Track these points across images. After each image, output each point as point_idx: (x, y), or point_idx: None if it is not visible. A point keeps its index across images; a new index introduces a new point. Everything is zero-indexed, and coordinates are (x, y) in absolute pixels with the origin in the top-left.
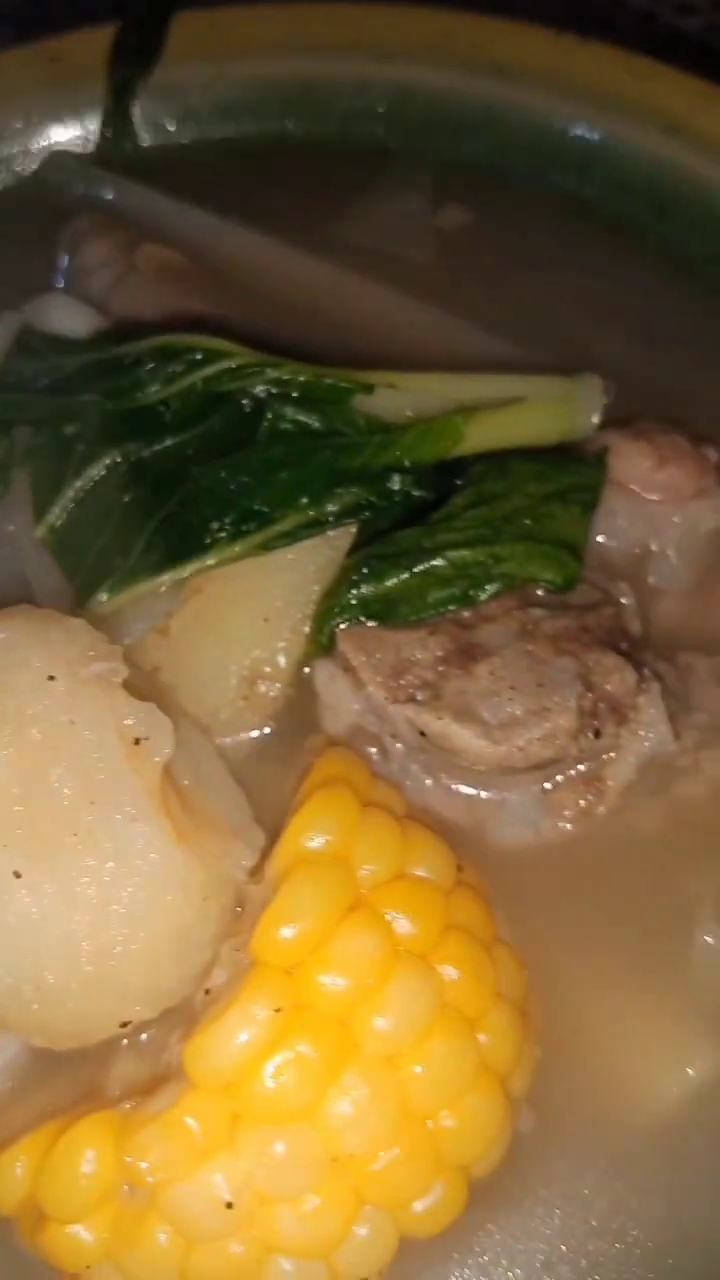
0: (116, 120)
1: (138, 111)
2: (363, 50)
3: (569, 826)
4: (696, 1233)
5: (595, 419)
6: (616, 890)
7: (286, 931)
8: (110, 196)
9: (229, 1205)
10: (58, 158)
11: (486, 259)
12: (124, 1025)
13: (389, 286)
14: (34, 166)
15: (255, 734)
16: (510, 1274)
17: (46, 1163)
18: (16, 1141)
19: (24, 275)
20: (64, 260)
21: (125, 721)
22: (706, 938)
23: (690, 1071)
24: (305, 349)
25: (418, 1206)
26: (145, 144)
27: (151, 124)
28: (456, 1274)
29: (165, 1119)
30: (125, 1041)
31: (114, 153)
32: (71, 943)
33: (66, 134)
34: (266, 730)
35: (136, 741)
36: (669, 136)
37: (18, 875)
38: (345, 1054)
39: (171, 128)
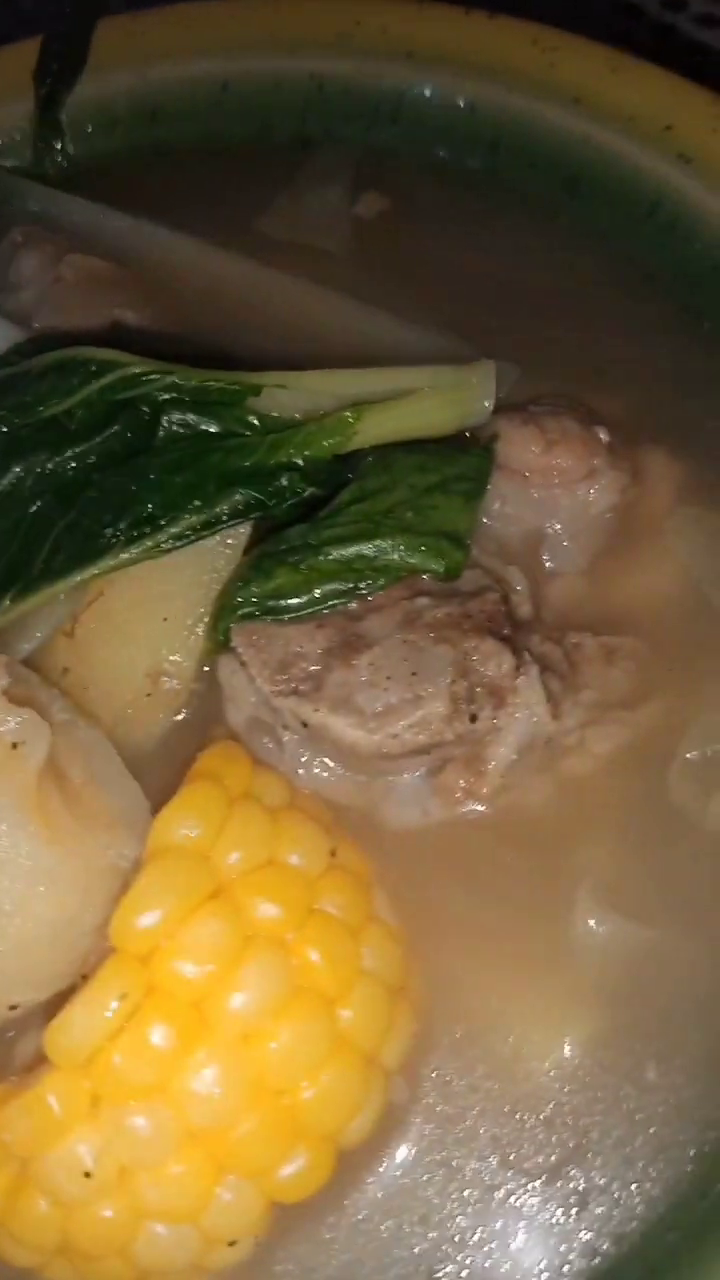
0: (45, 132)
1: (65, 121)
2: (276, 45)
3: (455, 808)
4: (571, 1194)
5: (489, 405)
6: (502, 869)
7: (142, 920)
8: (42, 209)
9: (87, 1174)
10: None
11: (404, 245)
12: (12, 1008)
13: (307, 281)
14: None
15: (164, 727)
16: (382, 1230)
17: None
18: None
19: None
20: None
21: (1, 729)
22: (587, 918)
23: (566, 1044)
24: (226, 349)
25: (283, 1173)
26: (74, 153)
27: (79, 133)
28: (333, 1233)
29: (27, 1097)
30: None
31: (45, 165)
32: None
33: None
34: (180, 718)
35: (14, 746)
36: (575, 110)
37: None
38: (197, 1034)
39: (98, 136)
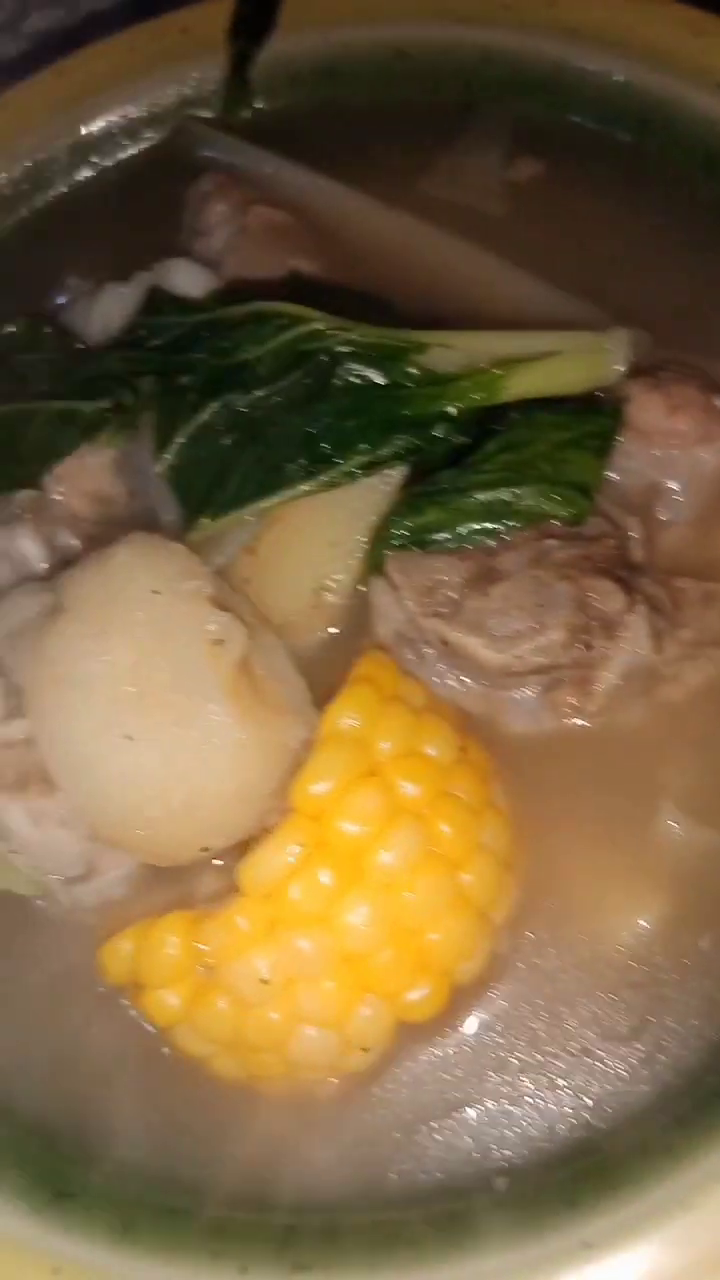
0: (235, 87)
1: (253, 78)
2: (447, 14)
3: (564, 720)
4: (636, 1042)
5: (621, 369)
6: (599, 773)
7: (315, 787)
8: (230, 159)
9: (265, 981)
10: (185, 123)
11: (552, 210)
12: (204, 850)
13: (462, 239)
14: (164, 132)
15: (322, 635)
16: (479, 1056)
17: (144, 944)
18: (124, 930)
19: (156, 234)
20: (189, 220)
21: (208, 627)
22: (667, 819)
23: (642, 920)
24: (386, 299)
25: (410, 997)
26: (259, 108)
27: (264, 89)
28: (443, 1051)
29: (222, 917)
30: (216, 863)
31: (233, 117)
32: (166, 789)
33: (192, 101)
34: (333, 631)
35: (217, 642)
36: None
37: (129, 738)
38: (354, 880)
39: (281, 92)
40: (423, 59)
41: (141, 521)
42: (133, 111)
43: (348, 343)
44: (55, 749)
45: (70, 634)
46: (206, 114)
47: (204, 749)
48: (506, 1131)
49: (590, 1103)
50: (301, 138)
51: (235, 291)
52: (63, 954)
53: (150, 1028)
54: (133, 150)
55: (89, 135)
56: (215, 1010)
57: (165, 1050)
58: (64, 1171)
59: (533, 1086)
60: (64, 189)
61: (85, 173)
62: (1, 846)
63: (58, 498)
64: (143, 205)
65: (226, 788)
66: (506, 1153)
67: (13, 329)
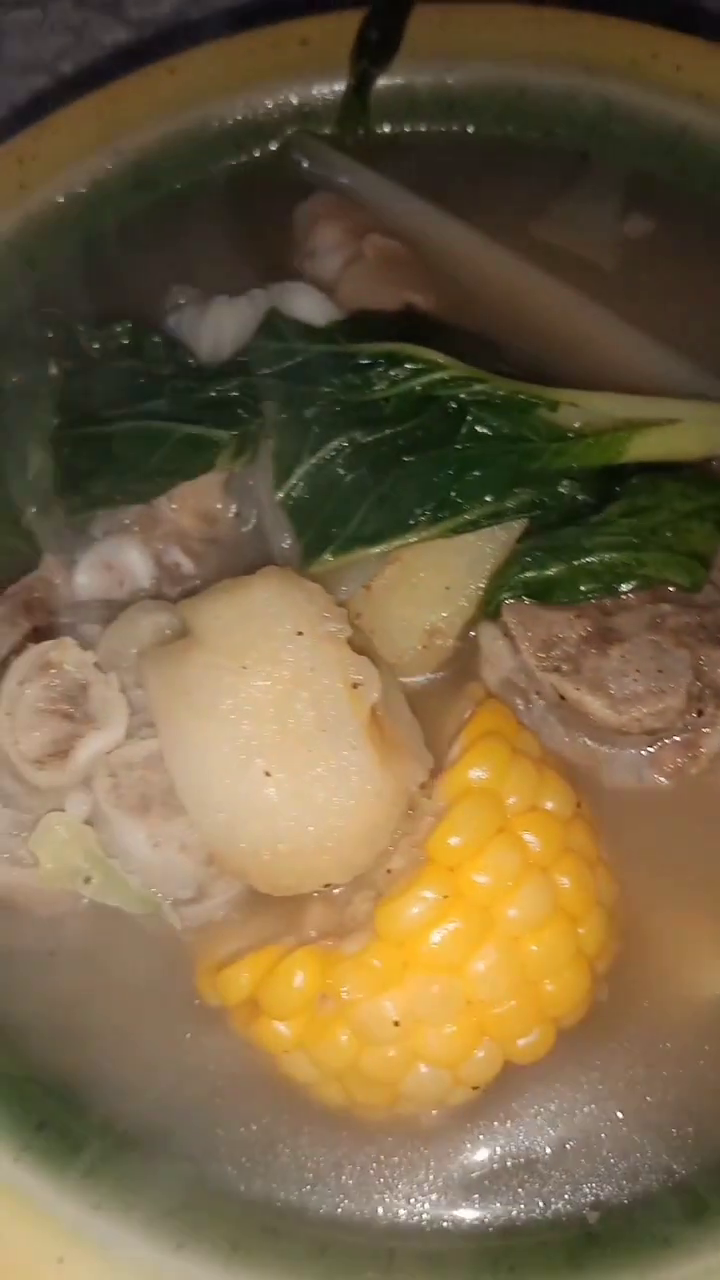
0: (353, 107)
1: (371, 100)
2: (574, 60)
3: (665, 780)
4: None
5: None
6: (695, 833)
7: (454, 840)
8: (341, 178)
9: (396, 1023)
10: (299, 137)
11: (664, 270)
12: (326, 886)
13: (574, 290)
14: (274, 144)
15: (428, 676)
16: (578, 1093)
17: (270, 976)
18: (241, 957)
19: (264, 249)
20: (298, 239)
21: (351, 672)
22: None
23: None
24: (498, 344)
25: (521, 1043)
26: (374, 131)
27: (381, 112)
28: (541, 1091)
29: (359, 958)
30: (316, 895)
31: (348, 137)
32: (299, 826)
33: (306, 115)
34: (438, 675)
35: (355, 685)
36: None
37: (268, 774)
38: (485, 931)
39: (398, 118)
40: (544, 101)
41: (251, 546)
42: (243, 118)
43: (478, 393)
44: (188, 778)
45: (210, 666)
46: (319, 130)
47: (340, 790)
48: (599, 1166)
49: (678, 1145)
50: (414, 166)
51: (358, 323)
52: (161, 970)
53: (246, 1050)
54: (240, 158)
55: (196, 137)
56: (336, 1043)
57: (257, 1069)
58: (170, 1187)
59: (624, 1126)
60: (167, 191)
61: (189, 176)
62: (117, 865)
63: (169, 513)
64: (248, 216)
65: (356, 828)
66: (598, 1188)
67: (120, 330)
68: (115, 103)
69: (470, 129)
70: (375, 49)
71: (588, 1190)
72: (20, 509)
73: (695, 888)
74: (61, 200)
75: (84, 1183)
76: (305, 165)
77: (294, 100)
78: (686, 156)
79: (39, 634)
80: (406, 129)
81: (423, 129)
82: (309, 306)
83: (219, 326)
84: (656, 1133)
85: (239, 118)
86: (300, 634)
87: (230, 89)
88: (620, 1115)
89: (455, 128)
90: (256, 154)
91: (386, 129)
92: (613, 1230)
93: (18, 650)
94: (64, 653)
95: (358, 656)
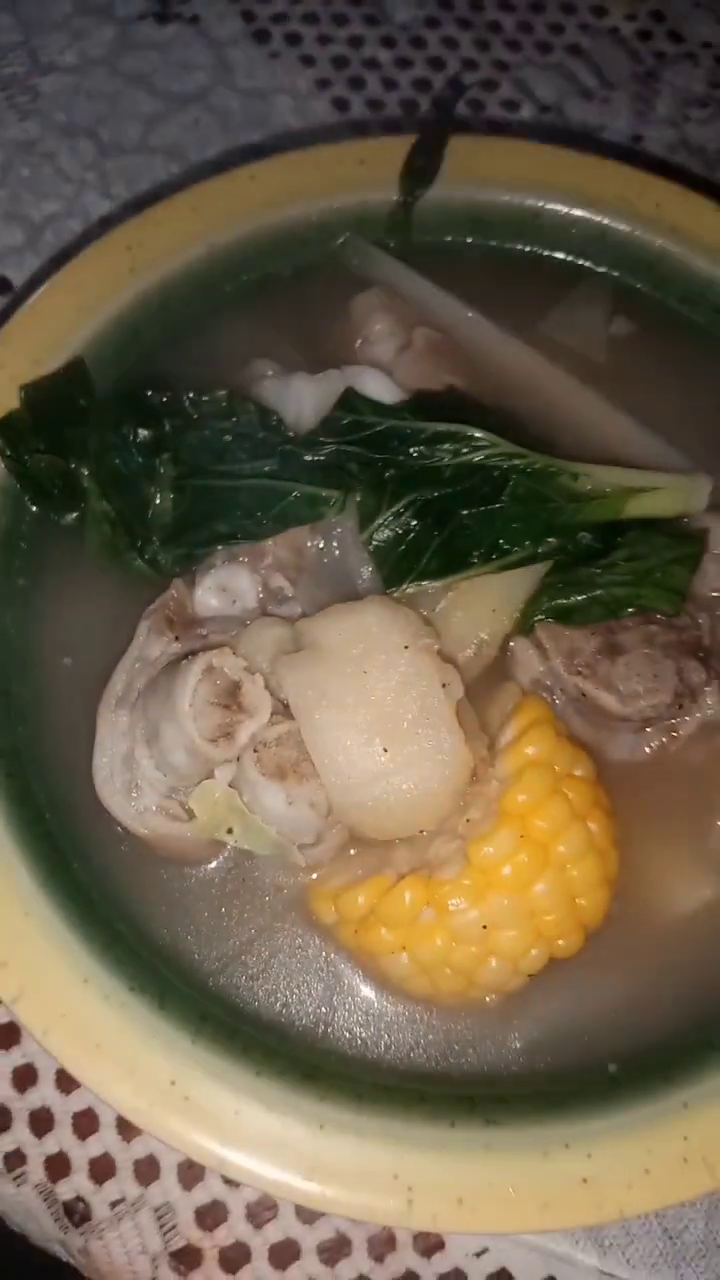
0: (400, 218)
1: (415, 213)
2: (580, 194)
3: (650, 753)
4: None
5: (703, 506)
6: (672, 792)
7: (522, 798)
8: (387, 276)
9: (484, 927)
10: (353, 240)
11: (644, 366)
12: (420, 831)
13: (577, 379)
14: (333, 244)
15: (474, 676)
16: (600, 978)
17: (386, 896)
18: (354, 886)
19: (325, 334)
20: (355, 328)
21: (444, 676)
22: (717, 822)
23: (701, 894)
24: (520, 420)
25: (561, 943)
26: (417, 240)
27: (421, 223)
28: (574, 977)
29: (458, 881)
30: (401, 841)
31: (393, 242)
32: (406, 787)
33: (361, 221)
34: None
35: (445, 685)
36: None
37: (385, 750)
38: (544, 862)
39: (435, 228)
40: (552, 223)
41: (333, 575)
42: (309, 221)
43: (518, 465)
44: (322, 754)
45: (338, 672)
46: (371, 235)
47: (436, 761)
48: (616, 1030)
49: (673, 1011)
50: (446, 269)
51: (419, 403)
52: (282, 894)
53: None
54: (306, 255)
55: (270, 235)
56: (433, 944)
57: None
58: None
59: (632, 999)
60: (247, 280)
61: (265, 268)
62: (256, 818)
63: (270, 546)
64: (312, 305)
65: (446, 788)
66: (615, 1045)
67: (220, 396)
68: (206, 200)
69: (492, 242)
70: (420, 173)
71: (608, 1047)
72: (143, 540)
73: (673, 829)
74: (160, 283)
75: (243, 1058)
76: (355, 264)
77: (350, 208)
78: (662, 274)
79: (179, 641)
80: (444, 238)
81: (453, 239)
82: (379, 388)
83: (300, 399)
84: (656, 1004)
85: (306, 220)
86: (406, 647)
87: (300, 196)
88: (629, 992)
89: (479, 240)
90: (318, 252)
91: (427, 238)
92: (630, 1075)
93: (178, 655)
94: (224, 659)
95: (445, 664)
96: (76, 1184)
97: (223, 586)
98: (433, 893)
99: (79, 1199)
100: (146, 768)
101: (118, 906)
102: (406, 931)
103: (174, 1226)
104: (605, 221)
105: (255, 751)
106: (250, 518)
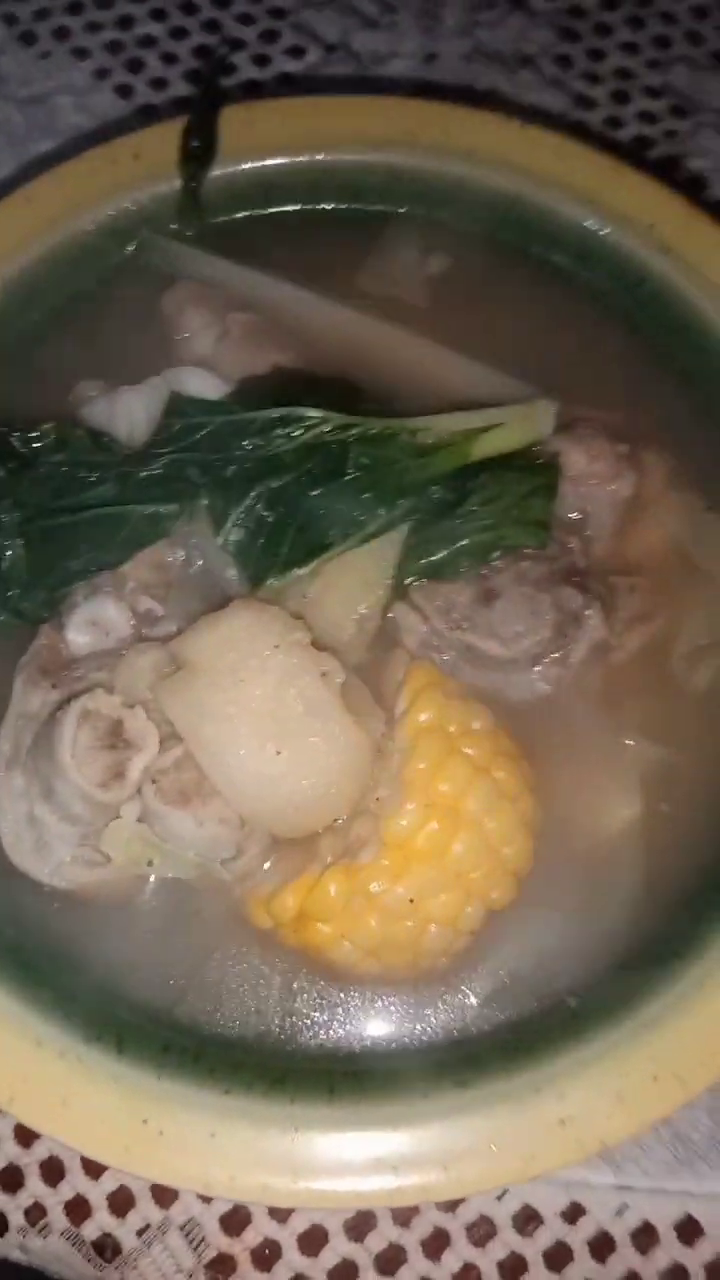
0: (189, 204)
1: (203, 196)
2: (363, 140)
3: (549, 687)
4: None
5: (549, 431)
6: (576, 720)
7: (421, 765)
8: (191, 268)
9: (411, 900)
10: (147, 239)
11: (464, 299)
12: (335, 821)
13: (400, 327)
14: (130, 247)
15: (362, 650)
16: (542, 919)
17: (311, 893)
18: (283, 888)
19: (139, 340)
20: (170, 327)
21: (320, 666)
22: (627, 740)
23: (625, 813)
24: (355, 383)
25: (494, 895)
26: (210, 222)
27: (212, 205)
28: (516, 924)
29: (375, 863)
30: (323, 831)
31: (187, 231)
32: (309, 783)
33: (151, 217)
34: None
35: (324, 674)
36: (585, 204)
37: (278, 752)
38: (456, 823)
39: (225, 208)
40: (343, 174)
41: (202, 583)
42: (98, 229)
43: (355, 433)
44: (219, 770)
45: (213, 685)
46: (165, 229)
47: (332, 751)
48: (569, 966)
49: (619, 934)
50: (249, 246)
51: (246, 391)
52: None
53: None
54: (106, 265)
55: (63, 254)
56: (368, 926)
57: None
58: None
59: (574, 930)
60: (53, 304)
61: (69, 288)
62: (171, 846)
63: (130, 570)
64: (121, 313)
65: (348, 775)
66: (570, 980)
67: (47, 430)
68: None
69: (289, 207)
70: (197, 155)
71: (563, 983)
72: (1, 593)
73: (587, 756)
74: None
75: (210, 1080)
76: (156, 262)
77: (136, 207)
78: (464, 202)
79: (56, 689)
80: (239, 214)
81: (250, 213)
82: (202, 385)
83: (130, 414)
84: (601, 930)
85: (95, 230)
86: (276, 647)
87: (82, 206)
88: (573, 925)
89: (276, 209)
90: (118, 259)
91: (222, 218)
92: (589, 1006)
93: (57, 704)
94: (97, 701)
95: (320, 653)
96: (100, 1221)
97: (92, 621)
98: (354, 879)
99: (106, 1235)
100: (51, 823)
101: (60, 960)
102: (340, 921)
103: (203, 1239)
104: (396, 160)
105: (154, 782)
106: (100, 549)
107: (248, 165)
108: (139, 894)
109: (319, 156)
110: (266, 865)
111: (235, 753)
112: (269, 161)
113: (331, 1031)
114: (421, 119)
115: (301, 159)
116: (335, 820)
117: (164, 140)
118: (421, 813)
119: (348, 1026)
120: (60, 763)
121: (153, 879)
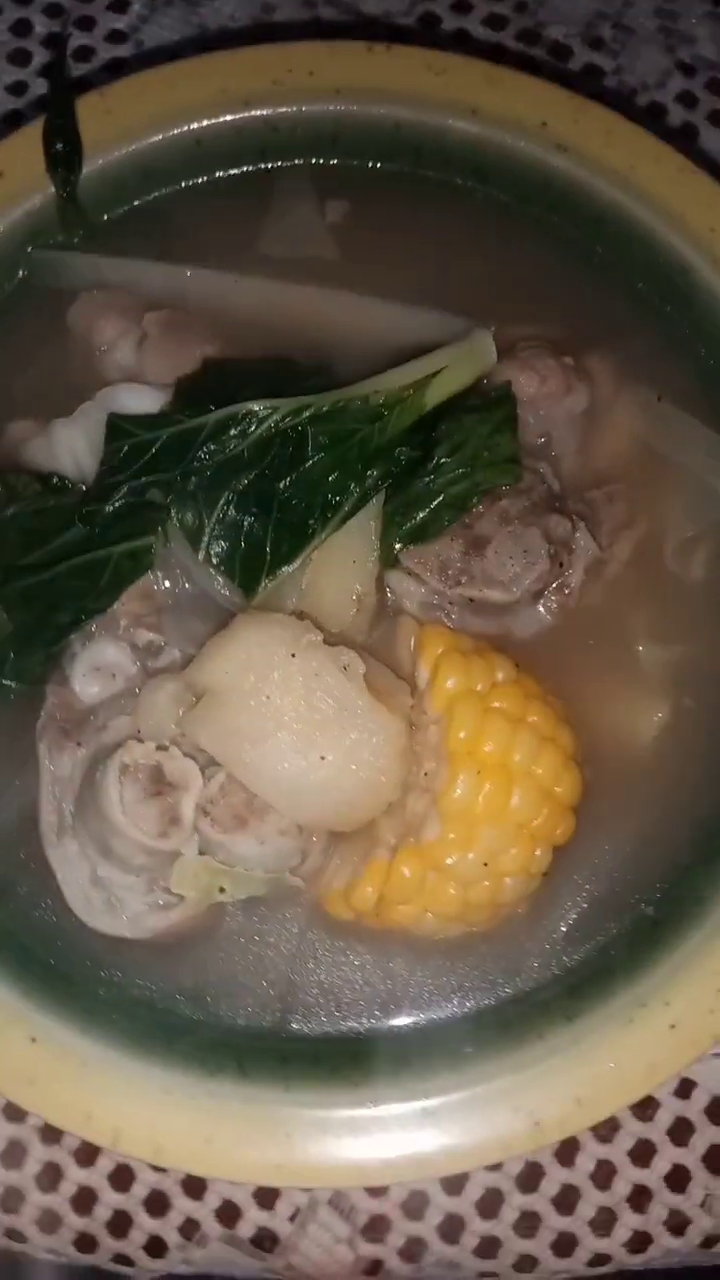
0: (69, 211)
1: (82, 197)
2: (231, 99)
3: (555, 617)
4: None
5: (493, 360)
6: (590, 637)
7: (461, 734)
8: (92, 276)
9: (485, 864)
10: (33, 258)
11: (372, 240)
12: (389, 805)
13: (314, 284)
14: (21, 274)
15: (368, 627)
16: (606, 842)
17: (388, 880)
18: (357, 879)
19: (60, 368)
20: (85, 342)
21: (340, 661)
22: (639, 646)
23: (656, 718)
24: (287, 357)
25: (558, 833)
26: (96, 222)
27: (94, 204)
28: (585, 853)
29: (441, 838)
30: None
31: (77, 237)
32: (358, 779)
33: (34, 234)
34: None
35: (345, 668)
36: (472, 117)
37: (323, 758)
38: (508, 778)
39: (109, 202)
40: (219, 141)
41: (195, 600)
42: None
43: (307, 415)
44: (268, 788)
45: (243, 708)
46: (51, 242)
47: (371, 740)
48: (642, 879)
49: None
50: (143, 237)
51: (184, 395)
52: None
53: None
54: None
55: None
56: (449, 895)
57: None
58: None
59: (639, 840)
60: None
61: None
62: (239, 868)
63: (119, 607)
64: (31, 343)
65: (393, 760)
66: (645, 893)
67: None
68: None
69: (170, 189)
70: (62, 156)
71: (637, 895)
72: None
73: (607, 672)
74: None
75: (337, 1077)
76: (50, 281)
77: (16, 226)
78: (347, 140)
79: (82, 746)
80: (125, 207)
81: (134, 204)
82: (137, 400)
83: (71, 446)
84: (661, 836)
85: None
86: (293, 655)
87: None
88: (634, 839)
89: (158, 192)
90: (12, 284)
91: (106, 215)
92: (666, 911)
93: (89, 762)
94: (132, 753)
95: (335, 647)
96: (251, 1219)
97: (95, 668)
98: (426, 858)
99: (260, 1230)
100: (115, 879)
101: (161, 1005)
102: (421, 898)
103: (352, 1207)
104: (267, 113)
105: (206, 814)
106: (85, 597)
107: (118, 154)
108: (219, 923)
109: (189, 127)
110: (335, 861)
111: (281, 768)
112: (138, 145)
113: (438, 1003)
114: (284, 63)
115: (172, 134)
116: (389, 804)
117: (25, 150)
118: (474, 780)
119: (450, 996)
120: (114, 822)
121: (230, 903)
